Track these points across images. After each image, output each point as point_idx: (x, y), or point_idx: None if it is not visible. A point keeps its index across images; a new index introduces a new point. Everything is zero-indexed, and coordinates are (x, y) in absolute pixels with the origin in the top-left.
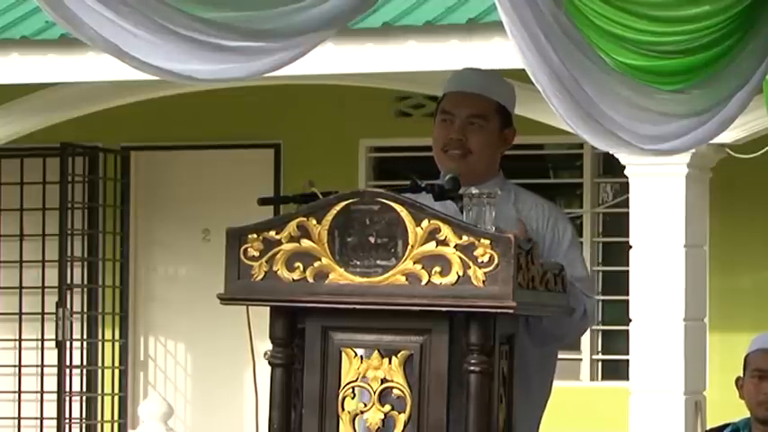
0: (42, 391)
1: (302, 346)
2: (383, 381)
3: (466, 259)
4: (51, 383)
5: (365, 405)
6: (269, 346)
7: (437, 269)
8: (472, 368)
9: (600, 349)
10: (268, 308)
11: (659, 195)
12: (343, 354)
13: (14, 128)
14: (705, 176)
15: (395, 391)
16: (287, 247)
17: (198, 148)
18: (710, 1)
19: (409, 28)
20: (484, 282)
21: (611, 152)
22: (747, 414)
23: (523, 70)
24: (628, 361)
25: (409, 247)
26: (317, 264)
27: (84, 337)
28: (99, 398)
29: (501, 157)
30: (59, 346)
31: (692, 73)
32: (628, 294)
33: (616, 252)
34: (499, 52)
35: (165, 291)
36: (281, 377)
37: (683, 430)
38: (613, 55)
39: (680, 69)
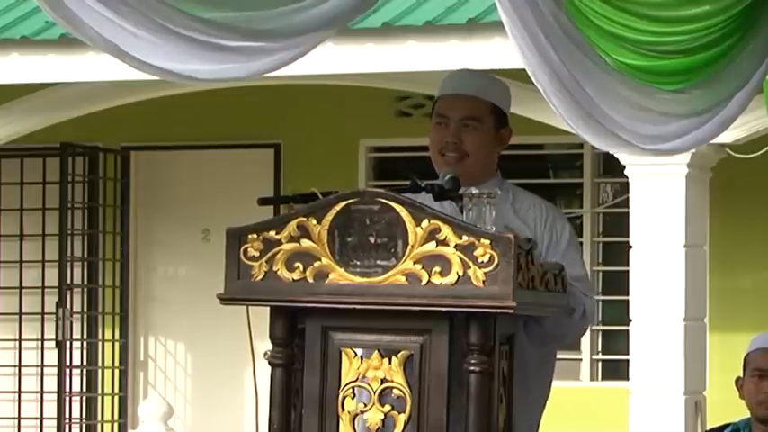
0: (42, 391)
1: (302, 346)
2: (383, 381)
3: (466, 259)
4: (51, 383)
5: (365, 405)
6: (269, 346)
7: (437, 269)
8: (472, 368)
9: (600, 349)
10: (268, 308)
11: (659, 195)
12: (343, 354)
13: (14, 128)
14: (705, 176)
15: (395, 391)
16: (287, 247)
17: (198, 148)
18: (710, 1)
19: (409, 28)
20: (484, 282)
21: (611, 152)
22: (747, 414)
23: (523, 70)
24: (628, 361)
25: (409, 247)
26: (316, 264)
27: (84, 337)
28: (99, 398)
29: (498, 157)
30: (59, 346)
31: (692, 73)
32: (628, 294)
33: (616, 252)
34: (499, 52)
35: (165, 291)
36: (281, 377)
37: (683, 430)
38: (613, 55)
39: (680, 69)
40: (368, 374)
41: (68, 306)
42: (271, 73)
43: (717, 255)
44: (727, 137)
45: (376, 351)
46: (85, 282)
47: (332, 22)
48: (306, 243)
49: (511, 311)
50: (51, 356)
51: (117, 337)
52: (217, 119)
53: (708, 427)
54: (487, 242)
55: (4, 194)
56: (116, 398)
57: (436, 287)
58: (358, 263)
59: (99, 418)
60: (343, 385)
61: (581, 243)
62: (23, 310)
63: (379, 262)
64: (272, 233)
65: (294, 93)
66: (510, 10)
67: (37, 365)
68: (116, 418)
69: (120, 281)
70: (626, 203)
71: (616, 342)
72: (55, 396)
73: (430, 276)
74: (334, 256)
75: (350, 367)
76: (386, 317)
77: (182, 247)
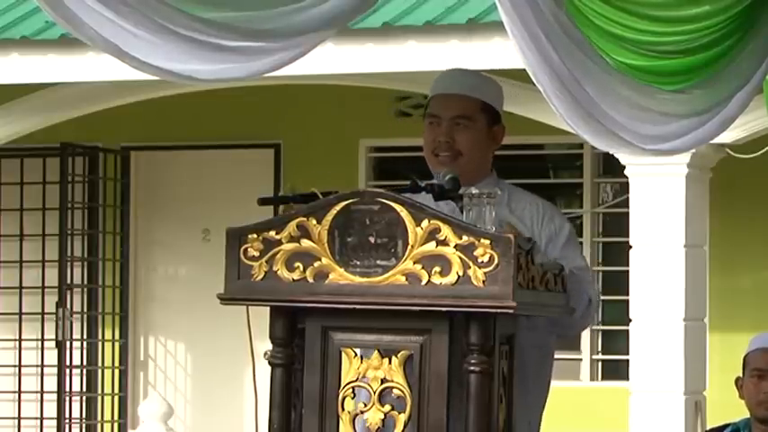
0: (42, 391)
1: (302, 346)
2: (383, 381)
3: (466, 259)
4: (51, 383)
5: (365, 405)
6: (269, 346)
7: (437, 269)
8: (472, 368)
9: (600, 349)
10: (268, 308)
11: (659, 195)
12: (343, 354)
13: (14, 128)
14: (705, 176)
15: (395, 391)
16: (287, 247)
17: (198, 148)
18: (710, 1)
19: (409, 28)
20: (484, 282)
21: (611, 152)
22: (747, 414)
23: (523, 70)
24: (628, 361)
25: (409, 247)
26: (317, 264)
27: (84, 337)
28: (99, 398)
29: (493, 156)
30: (59, 346)
31: (692, 73)
32: (628, 294)
33: (616, 252)
34: (499, 52)
35: (165, 291)
36: (281, 377)
37: (683, 430)
38: (613, 55)
39: (680, 69)
40: (368, 374)
41: (68, 306)
42: (271, 73)
43: (717, 255)
44: (727, 137)
45: (376, 351)
46: (85, 282)
47: (332, 22)
48: (306, 243)
49: (511, 311)
50: (51, 356)
51: (117, 337)
52: (217, 119)
53: (708, 427)
54: (487, 242)
55: (4, 194)
56: (116, 398)
57: (436, 287)
58: (358, 263)
59: (99, 418)
60: (343, 385)
61: (581, 243)
62: (23, 310)
63: (379, 262)
64: (272, 233)
65: (294, 93)
66: (510, 10)
67: (37, 365)
68: (116, 418)
69: (120, 281)
70: (626, 203)
71: (616, 342)
72: (55, 396)
73: (430, 276)
74: (334, 256)
75: (350, 367)
76: (386, 317)
77: (182, 247)
